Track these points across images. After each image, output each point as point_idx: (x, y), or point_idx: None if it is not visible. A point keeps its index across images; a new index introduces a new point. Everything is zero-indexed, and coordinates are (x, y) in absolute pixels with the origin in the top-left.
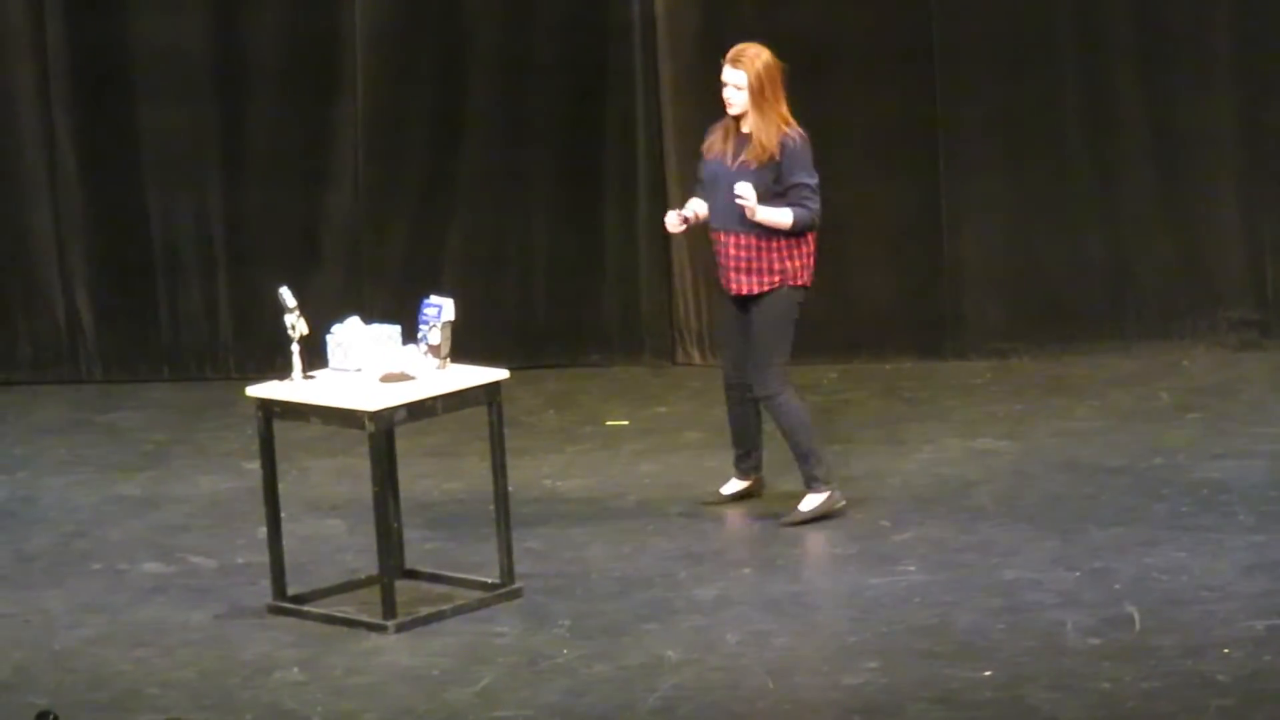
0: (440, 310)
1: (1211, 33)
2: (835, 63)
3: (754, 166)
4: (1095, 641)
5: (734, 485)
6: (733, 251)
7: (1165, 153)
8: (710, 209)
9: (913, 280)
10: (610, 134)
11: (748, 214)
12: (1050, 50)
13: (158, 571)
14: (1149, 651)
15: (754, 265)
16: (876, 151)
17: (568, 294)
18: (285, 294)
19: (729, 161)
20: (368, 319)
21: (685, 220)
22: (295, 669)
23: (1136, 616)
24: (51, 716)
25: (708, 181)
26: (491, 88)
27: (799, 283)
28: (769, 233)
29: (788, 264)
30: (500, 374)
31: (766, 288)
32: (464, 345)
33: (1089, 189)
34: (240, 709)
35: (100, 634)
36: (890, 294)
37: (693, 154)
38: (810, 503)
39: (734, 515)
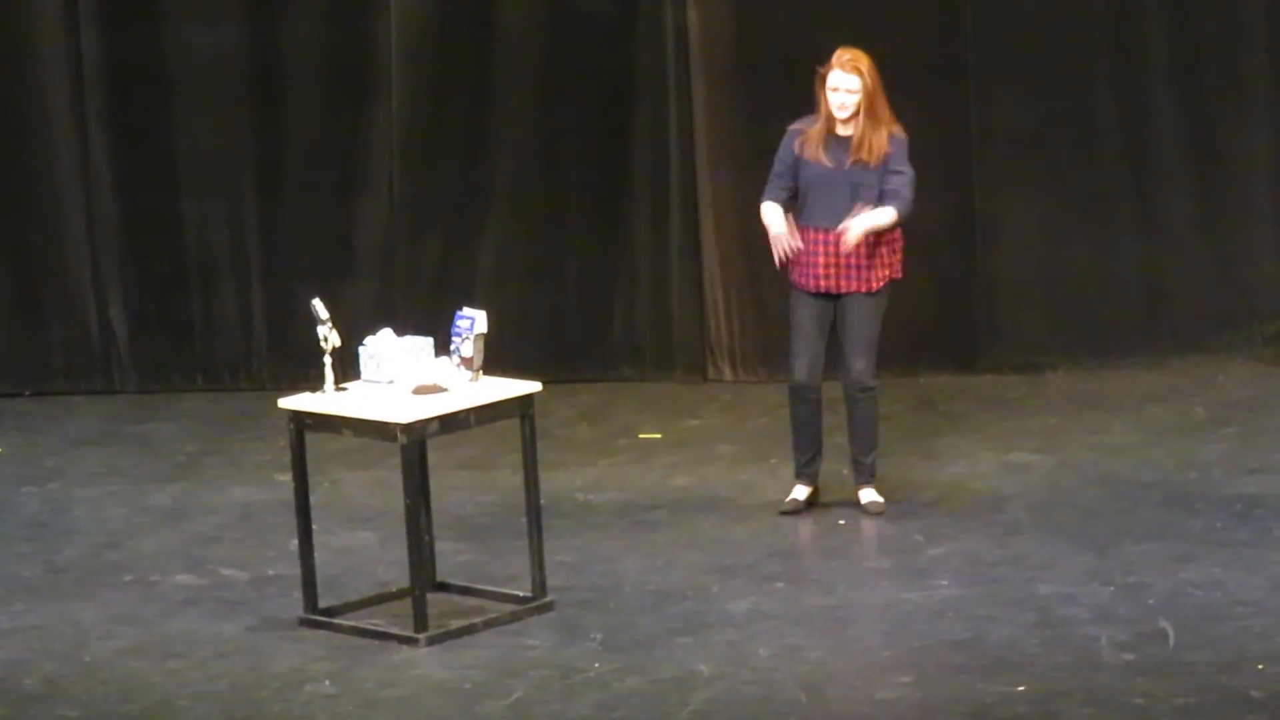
0: (473, 322)
1: (1247, 47)
2: None
3: (871, 166)
4: (1129, 657)
5: (804, 490)
6: (844, 250)
7: (1200, 166)
8: (810, 209)
9: (947, 294)
10: (643, 147)
11: (844, 246)
12: (1084, 63)
13: (189, 583)
14: (1183, 667)
15: (867, 263)
16: (910, 163)
17: (600, 307)
18: (318, 306)
19: (837, 164)
20: (400, 331)
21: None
22: (326, 682)
23: (1171, 632)
24: None
25: (811, 183)
26: (525, 99)
27: (899, 275)
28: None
29: (894, 259)
30: (533, 386)
31: (880, 283)
32: (496, 357)
33: (1123, 203)
34: None
35: (131, 646)
36: (924, 307)
37: (725, 166)
38: (878, 494)
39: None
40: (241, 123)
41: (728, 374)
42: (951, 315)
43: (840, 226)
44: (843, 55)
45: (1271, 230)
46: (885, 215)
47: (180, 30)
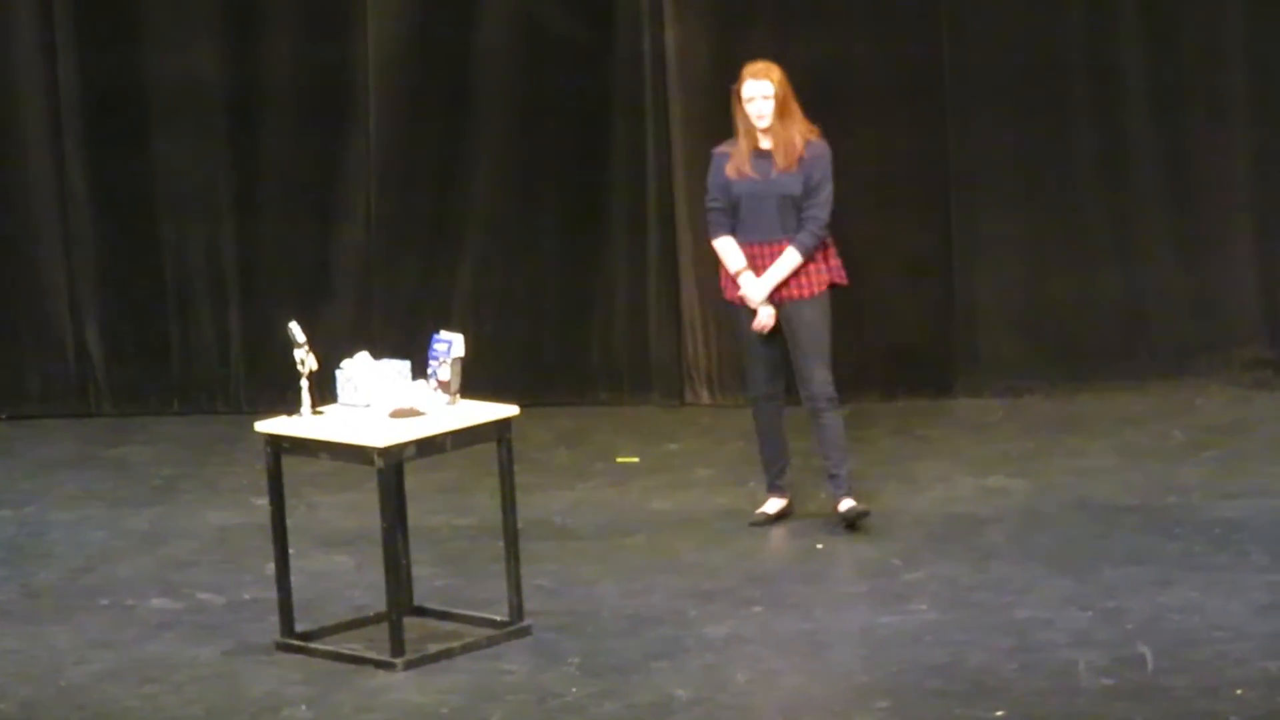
0: (450, 346)
1: (1225, 71)
2: (847, 99)
3: (793, 171)
4: (1108, 681)
5: (776, 504)
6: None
7: (1178, 190)
8: (743, 224)
9: (925, 318)
10: (620, 170)
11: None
12: (1062, 86)
13: (165, 607)
14: (1162, 692)
15: (805, 268)
16: (888, 188)
17: (577, 331)
18: (295, 329)
19: (763, 176)
20: (378, 354)
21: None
22: (303, 706)
23: (1149, 656)
24: None
25: (741, 197)
26: (502, 123)
27: (842, 280)
28: None
29: (832, 262)
30: (510, 410)
31: (820, 288)
32: (474, 381)
33: (1102, 227)
34: None
35: (108, 670)
36: (902, 332)
37: (703, 190)
38: (854, 503)
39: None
40: (218, 146)
41: (705, 397)
42: (930, 339)
43: (754, 306)
44: (753, 66)
45: (1249, 254)
46: (788, 264)
47: (157, 54)
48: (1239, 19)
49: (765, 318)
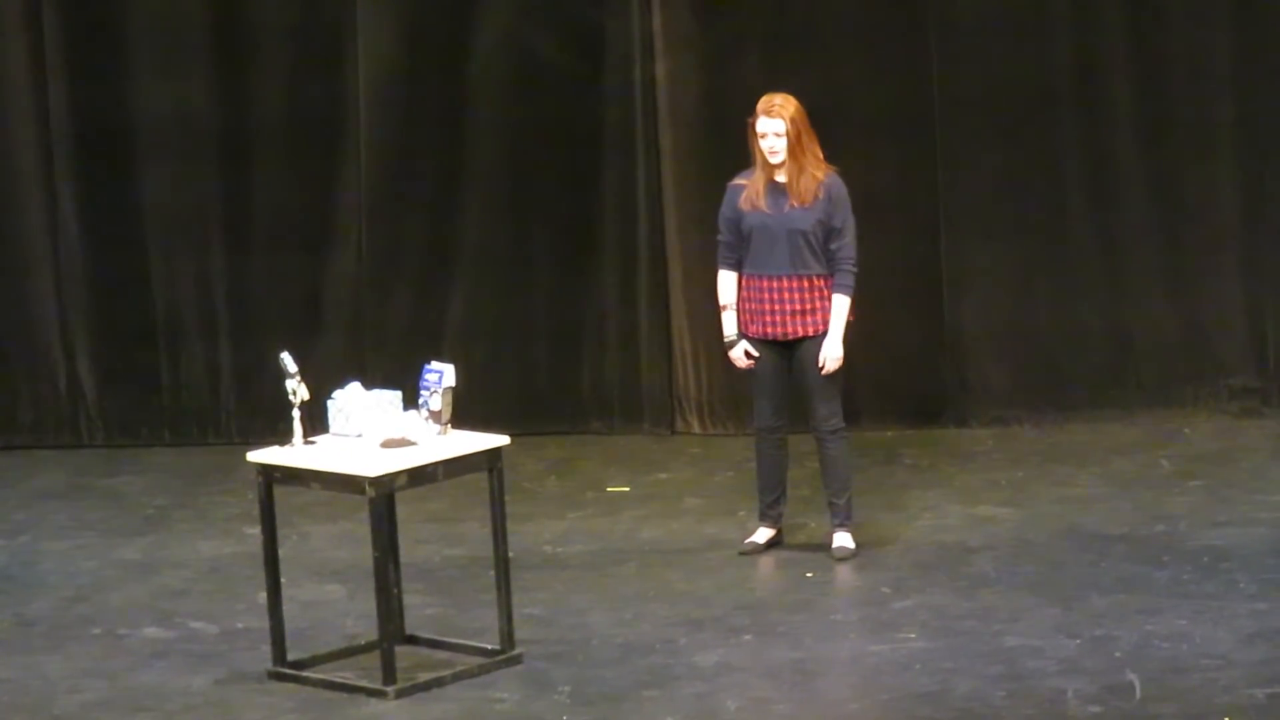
0: (441, 376)
1: (1213, 100)
2: (836, 128)
3: (807, 207)
4: (1096, 709)
5: (765, 533)
6: (792, 295)
7: (1166, 220)
8: (754, 257)
9: (913, 347)
10: (611, 201)
11: (831, 368)
12: (1051, 116)
13: (158, 636)
14: None
15: (816, 305)
16: (877, 216)
17: (568, 360)
18: (286, 359)
19: (775, 210)
20: (369, 384)
21: (746, 349)
22: None
23: (1137, 684)
24: None
25: (753, 230)
26: (493, 154)
27: (850, 318)
28: (827, 274)
29: None
30: (501, 440)
31: (828, 326)
32: (465, 411)
33: (1090, 256)
34: None
35: (100, 699)
36: (891, 360)
37: (693, 220)
38: (850, 539)
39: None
40: (209, 178)
41: (695, 427)
42: (918, 369)
43: (820, 362)
44: (769, 101)
45: (1237, 284)
46: (841, 311)
47: (148, 88)
48: (1227, 51)
49: (738, 353)
